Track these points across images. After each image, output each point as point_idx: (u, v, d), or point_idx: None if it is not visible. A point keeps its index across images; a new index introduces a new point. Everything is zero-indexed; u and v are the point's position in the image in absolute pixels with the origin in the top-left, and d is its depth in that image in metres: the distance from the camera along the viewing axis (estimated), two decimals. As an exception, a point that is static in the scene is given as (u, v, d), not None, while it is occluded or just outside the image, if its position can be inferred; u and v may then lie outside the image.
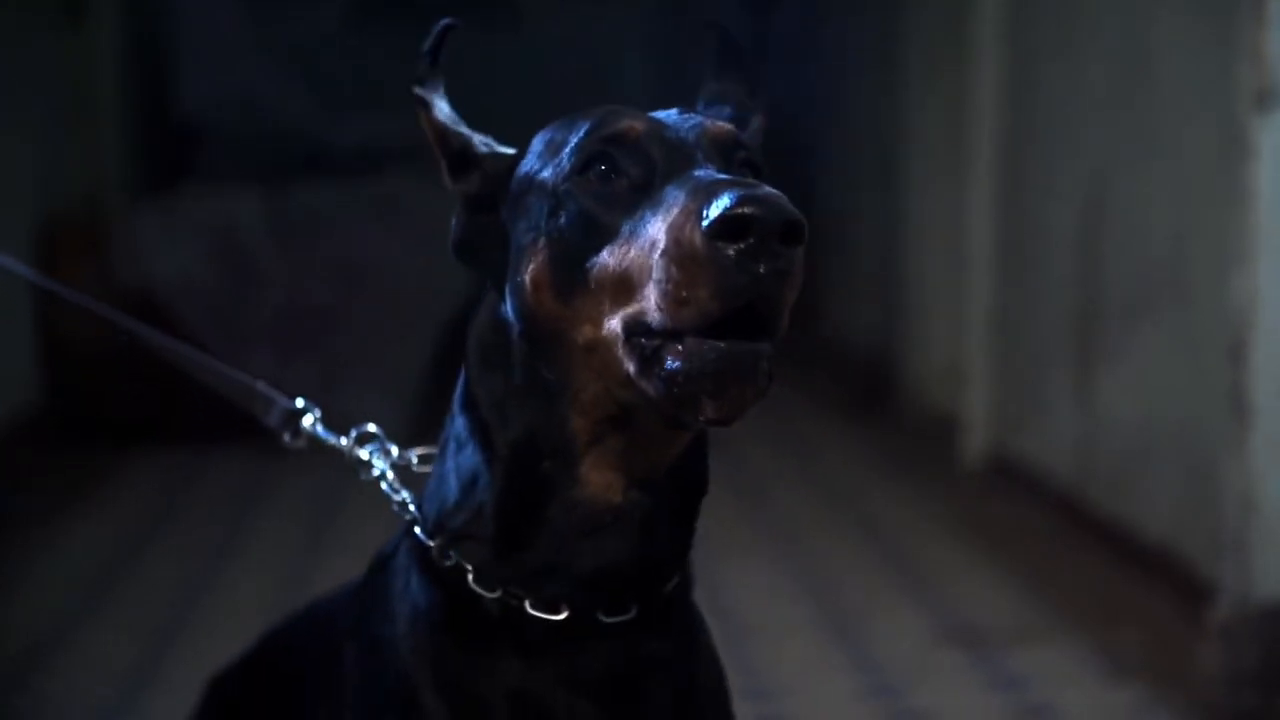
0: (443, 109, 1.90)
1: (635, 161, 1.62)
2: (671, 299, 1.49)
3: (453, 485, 1.73)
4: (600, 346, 1.58)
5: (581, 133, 1.67)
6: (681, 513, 1.74)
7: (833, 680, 4.51)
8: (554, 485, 1.66)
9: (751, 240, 1.48)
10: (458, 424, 1.75)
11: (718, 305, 1.48)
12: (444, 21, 1.88)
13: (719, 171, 1.62)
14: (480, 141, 1.86)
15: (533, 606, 1.68)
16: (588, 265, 1.58)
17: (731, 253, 1.48)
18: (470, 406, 1.73)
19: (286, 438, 2.08)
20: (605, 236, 1.59)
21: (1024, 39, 6.34)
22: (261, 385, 2.09)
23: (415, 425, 7.04)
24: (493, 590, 1.70)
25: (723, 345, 1.49)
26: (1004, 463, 6.48)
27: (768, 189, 1.53)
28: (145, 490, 6.55)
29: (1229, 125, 4.22)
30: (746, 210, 1.48)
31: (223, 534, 5.87)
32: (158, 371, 8.11)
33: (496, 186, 1.76)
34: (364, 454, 2.00)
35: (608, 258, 1.57)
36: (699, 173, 1.59)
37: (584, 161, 1.64)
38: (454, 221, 1.79)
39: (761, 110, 1.86)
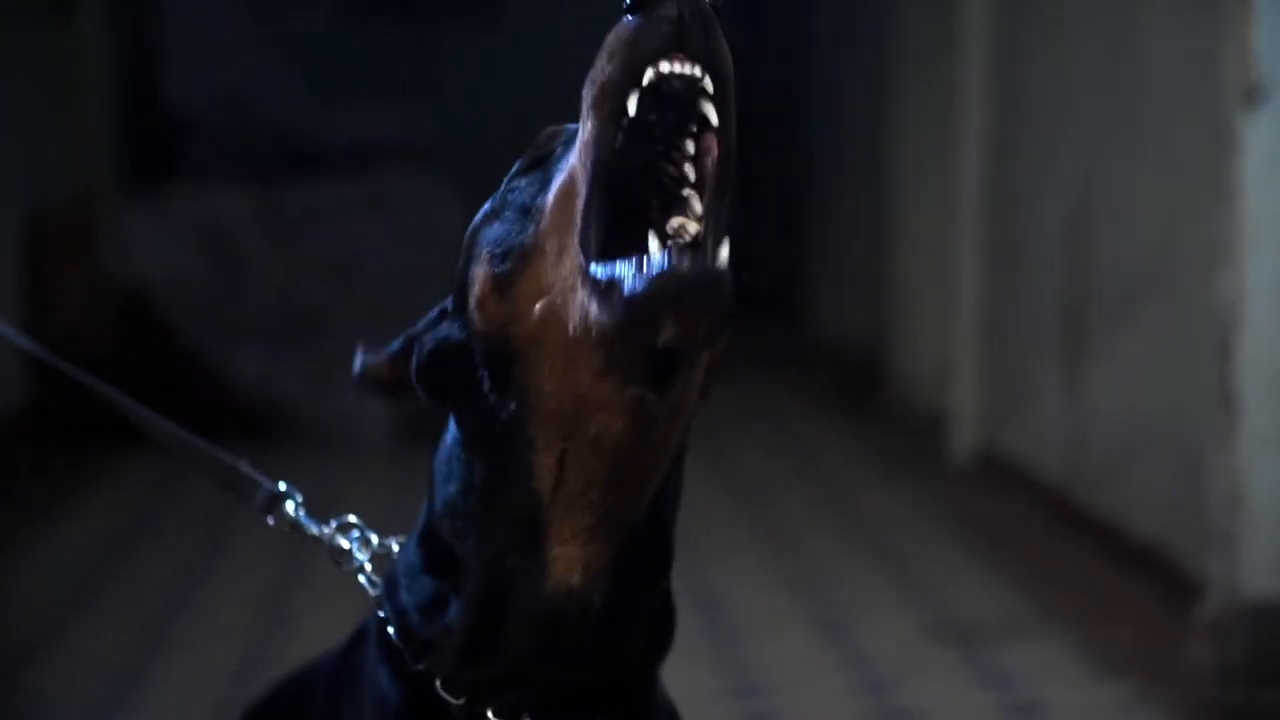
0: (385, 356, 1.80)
1: (568, 142, 1.59)
2: (591, 101, 1.45)
3: (413, 612, 1.70)
4: (554, 313, 1.51)
5: (517, 166, 1.66)
6: (648, 612, 1.67)
7: (822, 677, 4.52)
8: (518, 583, 1.61)
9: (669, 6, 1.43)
10: (411, 556, 1.72)
11: (632, 66, 1.43)
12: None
13: None
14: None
15: (496, 714, 1.66)
16: (528, 237, 1.54)
17: (652, 12, 1.43)
18: (427, 538, 1.70)
19: (270, 520, 2.07)
20: (542, 191, 1.56)
21: (1012, 36, 6.35)
22: (245, 466, 2.09)
23: (404, 422, 7.05)
24: (458, 697, 1.68)
25: (680, 261, 1.42)
26: (993, 459, 6.49)
27: None
28: (136, 489, 6.55)
29: (1216, 121, 4.23)
30: None
31: (213, 533, 5.87)
32: (152, 373, 8.12)
33: (445, 315, 1.71)
34: (344, 543, 1.99)
35: (546, 200, 1.53)
36: None
37: (523, 169, 1.64)
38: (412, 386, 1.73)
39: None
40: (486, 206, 1.67)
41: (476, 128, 9.94)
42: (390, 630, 1.72)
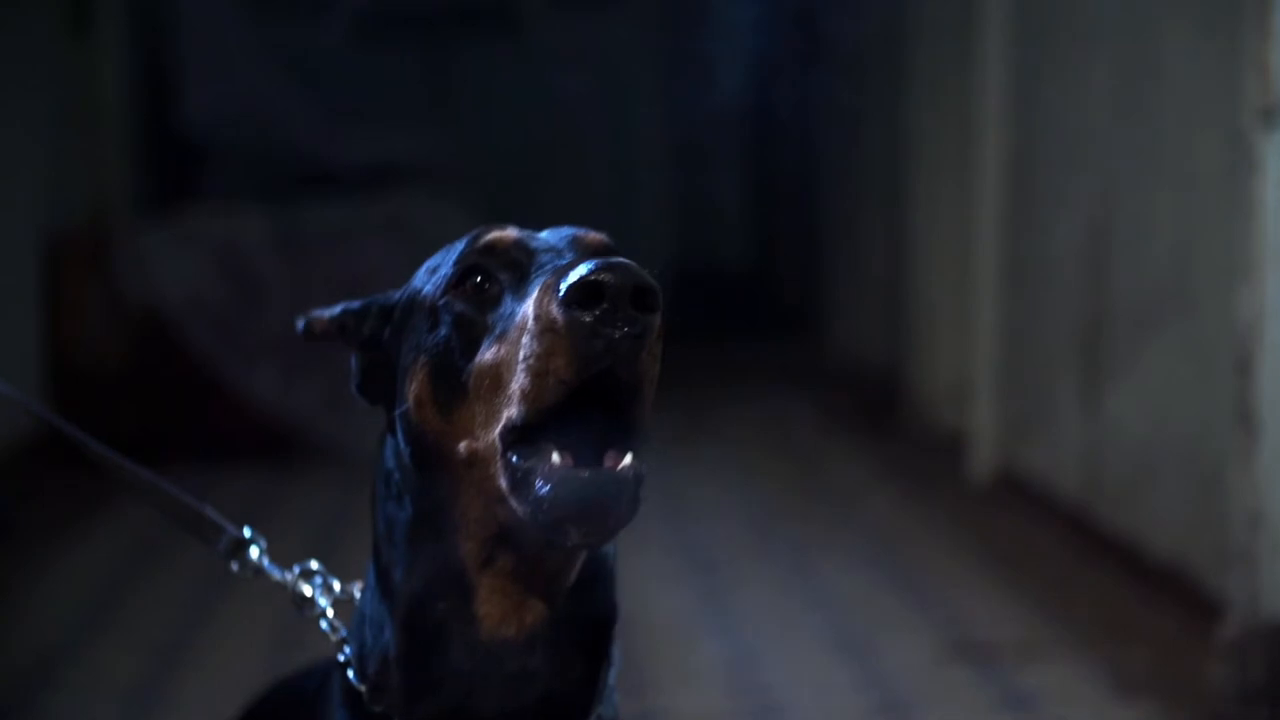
0: (327, 313, 1.92)
1: (507, 267, 1.66)
2: (533, 373, 1.53)
3: (366, 631, 1.77)
4: (479, 461, 1.60)
5: (457, 250, 1.72)
6: (590, 647, 1.73)
7: (841, 697, 4.50)
8: (451, 628, 1.67)
9: (605, 306, 1.51)
10: (370, 567, 1.79)
11: (573, 371, 1.52)
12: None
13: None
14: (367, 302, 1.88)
15: None
16: (465, 373, 1.62)
17: (587, 319, 1.51)
18: (376, 551, 1.76)
19: (234, 566, 2.09)
20: (480, 338, 1.63)
21: (1030, 56, 6.34)
22: (210, 510, 2.11)
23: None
24: None
25: (586, 474, 1.52)
26: (1011, 478, 6.48)
27: (623, 259, 1.55)
28: (152, 511, 6.54)
29: (1235, 140, 4.22)
30: (598, 277, 1.51)
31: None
32: (168, 394, 8.09)
33: (385, 322, 1.80)
34: (306, 590, 2.01)
35: (481, 356, 1.61)
36: (563, 262, 1.63)
37: (459, 275, 1.69)
38: (352, 363, 1.85)
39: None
40: (423, 286, 1.74)
41: (491, 148, 9.96)
42: (350, 673, 1.78)
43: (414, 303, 1.73)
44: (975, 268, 6.76)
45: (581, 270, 1.51)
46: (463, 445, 1.62)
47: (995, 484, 6.59)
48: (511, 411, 1.55)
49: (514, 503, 1.56)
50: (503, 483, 1.56)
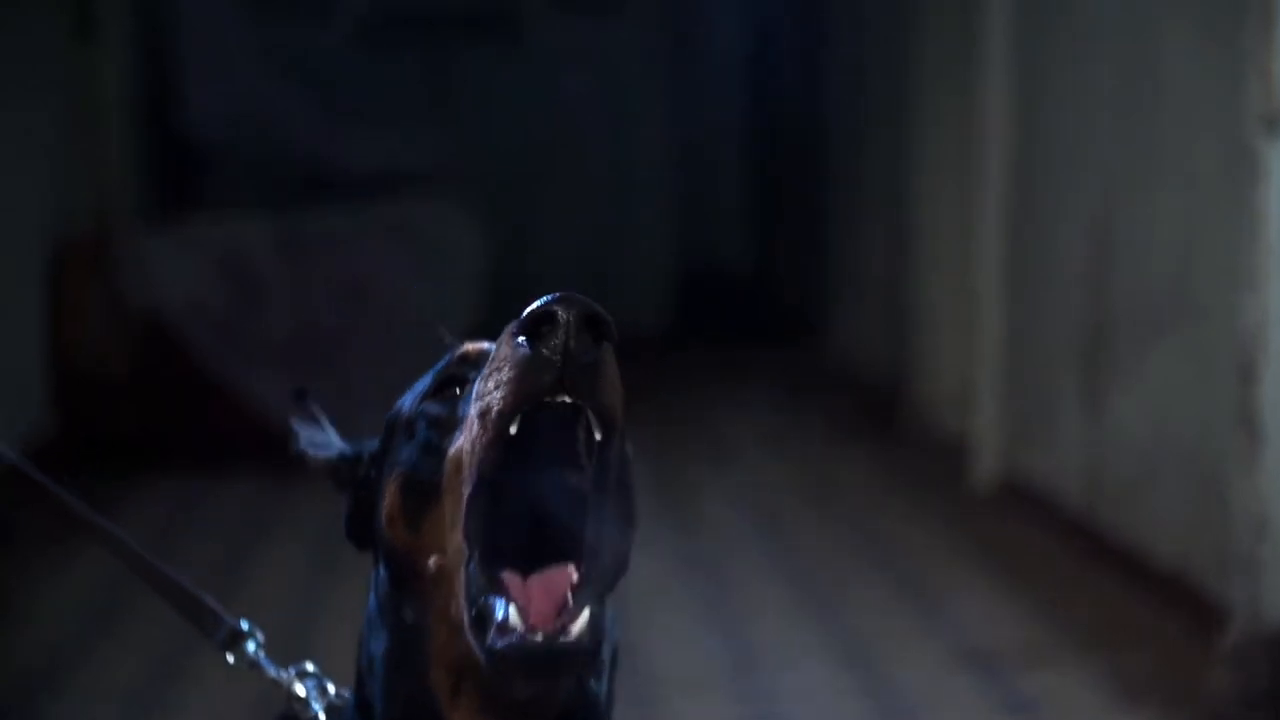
0: (323, 445, 1.91)
1: (479, 366, 1.62)
2: (479, 413, 1.51)
3: None
4: (445, 578, 1.58)
5: (437, 367, 1.70)
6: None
7: (844, 704, 4.50)
8: None
9: (558, 336, 1.48)
10: (351, 703, 1.77)
11: (517, 399, 1.49)
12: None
13: None
14: (359, 446, 1.86)
15: None
16: (435, 473, 1.60)
17: (539, 349, 1.49)
18: (358, 683, 1.75)
19: (230, 658, 2.07)
20: (450, 432, 1.61)
21: (1032, 61, 6.34)
22: (209, 600, 2.08)
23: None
24: None
25: (539, 641, 1.49)
26: (1014, 484, 6.47)
27: (579, 295, 1.52)
28: (154, 516, 6.54)
29: (1237, 147, 4.22)
30: (550, 308, 1.48)
31: (231, 559, 5.87)
32: (170, 399, 8.09)
33: (373, 465, 1.77)
34: (300, 690, 2.00)
35: (451, 447, 1.58)
36: None
37: (436, 386, 1.68)
38: (344, 508, 1.81)
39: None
40: (403, 405, 1.72)
41: (494, 153, 9.96)
42: None
43: (394, 425, 1.72)
44: (977, 272, 6.76)
45: (535, 304, 1.49)
46: (432, 560, 1.60)
47: (997, 489, 6.59)
48: (470, 469, 1.53)
49: (471, 639, 1.53)
50: (465, 615, 1.54)
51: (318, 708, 1.96)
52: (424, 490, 1.61)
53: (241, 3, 9.44)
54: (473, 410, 1.54)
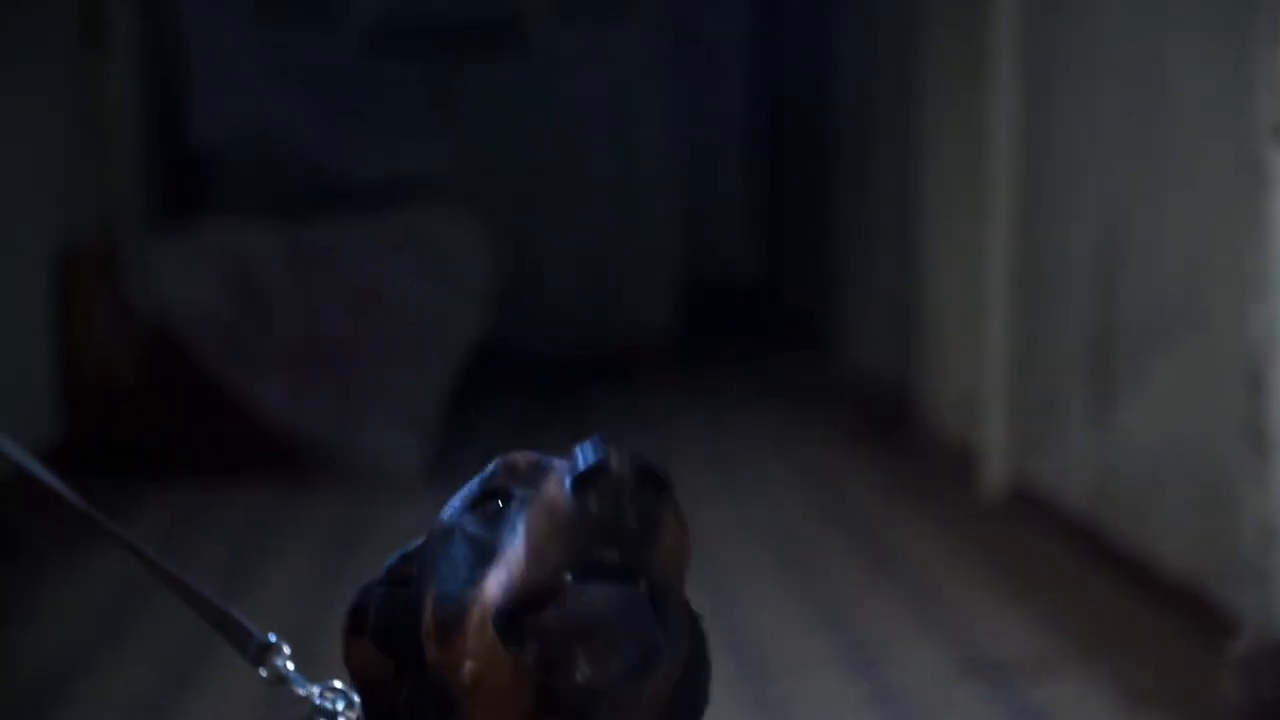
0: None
1: (525, 484, 1.58)
2: (534, 556, 1.46)
3: None
4: (484, 669, 1.52)
5: (483, 474, 1.64)
6: None
7: (852, 712, 4.50)
8: None
9: (610, 493, 1.44)
10: None
11: (578, 556, 1.44)
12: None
13: None
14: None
15: None
16: (467, 594, 1.54)
17: (593, 506, 1.44)
18: None
19: (261, 672, 2.06)
20: (487, 557, 1.55)
21: (1041, 69, 6.34)
22: (236, 613, 2.07)
23: (434, 458, 7.05)
24: None
25: (601, 589, 1.43)
26: (1022, 492, 6.47)
27: (634, 451, 1.46)
28: (160, 522, 6.55)
29: (1246, 156, 4.22)
30: (603, 464, 1.43)
31: (241, 566, 5.87)
32: (179, 408, 8.08)
33: (412, 561, 1.70)
34: (327, 706, 1.98)
35: (486, 576, 1.53)
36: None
37: (483, 495, 1.61)
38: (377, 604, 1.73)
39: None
40: (448, 509, 1.66)
41: (502, 162, 9.96)
42: None
43: (433, 534, 1.65)
44: (986, 280, 6.76)
45: (586, 454, 1.44)
46: (466, 669, 1.53)
47: (1005, 496, 6.58)
48: (502, 597, 1.48)
49: (517, 656, 1.47)
50: (507, 652, 1.48)
51: None
52: (455, 609, 1.55)
53: (250, 11, 9.45)
54: (512, 551, 1.50)
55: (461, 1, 10.15)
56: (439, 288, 7.51)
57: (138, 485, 6.96)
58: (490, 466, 1.64)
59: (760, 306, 11.35)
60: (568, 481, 1.45)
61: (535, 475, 1.57)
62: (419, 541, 1.73)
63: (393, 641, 1.69)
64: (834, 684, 4.71)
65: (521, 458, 1.63)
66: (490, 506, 1.59)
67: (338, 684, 1.95)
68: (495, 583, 1.51)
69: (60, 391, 7.16)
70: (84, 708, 4.62)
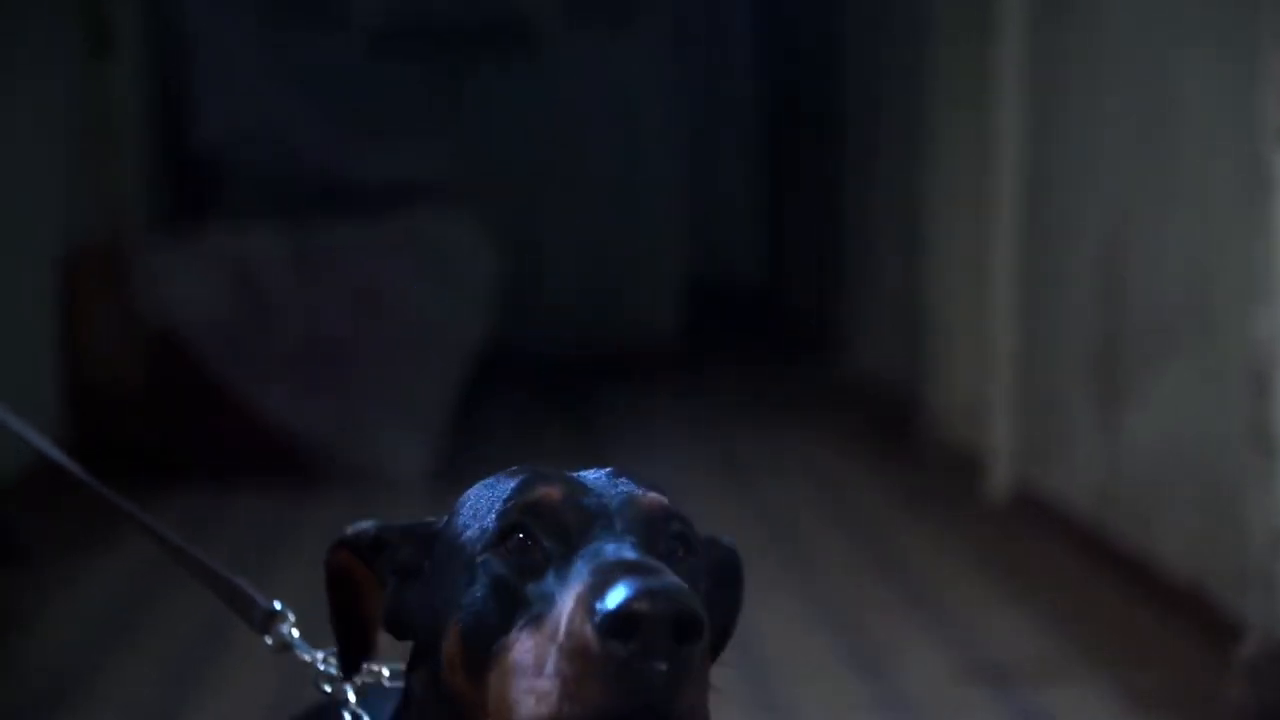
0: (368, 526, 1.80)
1: (551, 531, 1.58)
2: (563, 694, 1.45)
3: None
4: None
5: (501, 500, 1.63)
6: None
7: (855, 716, 4.50)
8: None
9: (643, 639, 1.43)
10: None
11: (608, 705, 1.44)
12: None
13: (634, 546, 1.55)
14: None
15: None
16: (498, 643, 1.54)
17: (623, 652, 1.43)
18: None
19: (267, 640, 2.06)
20: (516, 611, 1.55)
21: (1047, 73, 6.34)
22: (243, 583, 2.07)
23: (439, 460, 7.05)
24: None
25: None
26: (1027, 498, 6.47)
27: (669, 579, 1.46)
28: (166, 524, 6.52)
29: (1251, 160, 4.21)
30: (637, 607, 1.43)
31: (244, 568, 5.85)
32: (182, 411, 8.07)
33: (425, 556, 1.71)
34: (332, 670, 1.98)
35: (516, 636, 1.53)
36: (609, 547, 1.54)
37: (502, 532, 1.60)
38: (386, 594, 1.74)
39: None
40: (463, 525, 1.66)
41: (506, 164, 9.97)
42: None
43: (453, 549, 1.65)
44: (992, 286, 6.75)
45: (620, 594, 1.43)
46: (492, 714, 1.54)
47: (1011, 502, 6.58)
48: (545, 707, 1.48)
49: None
50: None
51: (349, 688, 1.95)
52: (486, 654, 1.55)
53: (256, 16, 9.46)
54: (547, 679, 1.48)
55: (465, 3, 10.15)
56: (441, 289, 7.51)
57: (141, 487, 6.94)
58: (511, 488, 1.64)
59: (763, 309, 11.35)
60: (598, 618, 1.44)
61: (564, 526, 1.58)
62: (430, 528, 1.72)
63: (403, 626, 1.71)
64: (837, 686, 4.71)
65: (547, 495, 1.61)
66: (514, 543, 1.59)
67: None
68: (519, 666, 1.51)
69: (64, 394, 7.15)
70: (86, 710, 4.61)
